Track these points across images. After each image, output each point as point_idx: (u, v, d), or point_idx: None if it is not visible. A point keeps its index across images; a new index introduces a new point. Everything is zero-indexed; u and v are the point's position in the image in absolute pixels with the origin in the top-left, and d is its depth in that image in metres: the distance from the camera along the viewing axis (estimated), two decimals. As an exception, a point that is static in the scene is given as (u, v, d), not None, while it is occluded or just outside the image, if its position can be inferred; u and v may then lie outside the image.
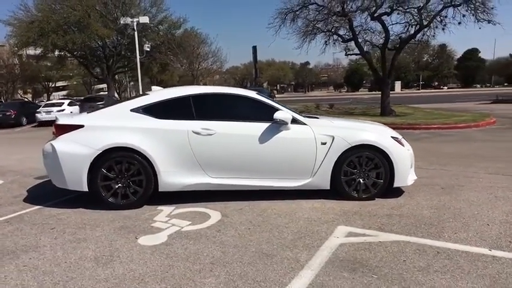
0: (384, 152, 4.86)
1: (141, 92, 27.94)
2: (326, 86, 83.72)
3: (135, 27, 24.57)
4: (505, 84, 64.83)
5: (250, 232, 3.95)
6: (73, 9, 24.78)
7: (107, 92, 31.30)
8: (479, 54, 62.86)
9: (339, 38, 20.25)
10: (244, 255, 3.42)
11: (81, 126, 4.78)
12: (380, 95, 19.09)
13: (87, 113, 5.18)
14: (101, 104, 21.45)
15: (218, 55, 30.28)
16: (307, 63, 75.89)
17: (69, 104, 22.90)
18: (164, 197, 4.92)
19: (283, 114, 4.79)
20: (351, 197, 4.90)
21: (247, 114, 4.99)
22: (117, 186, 4.70)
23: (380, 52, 18.95)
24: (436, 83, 69.98)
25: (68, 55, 28.60)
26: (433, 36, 18.11)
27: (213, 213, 4.55)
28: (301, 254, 3.42)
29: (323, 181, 4.89)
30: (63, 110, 21.91)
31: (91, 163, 4.63)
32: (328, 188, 4.92)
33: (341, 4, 17.76)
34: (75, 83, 58.85)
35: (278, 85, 70.70)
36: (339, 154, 4.82)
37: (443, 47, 61.98)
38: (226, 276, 3.06)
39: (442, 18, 18.12)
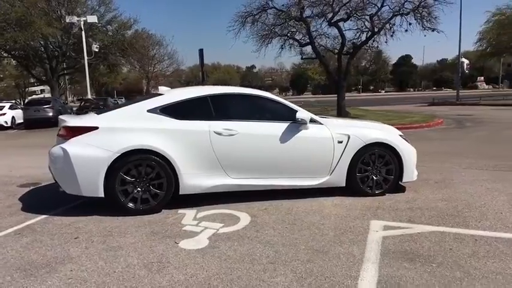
0: (394, 149, 5.13)
1: (89, 95, 26.48)
2: (271, 90, 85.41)
3: (82, 27, 23.34)
4: (434, 88, 70.49)
5: (290, 231, 3.97)
6: (11, 5, 22.95)
7: (43, 95, 29.28)
8: (412, 61, 67.85)
9: (295, 43, 20.82)
10: (298, 253, 3.44)
11: (96, 128, 4.49)
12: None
13: (97, 114, 4.87)
14: (47, 107, 20.01)
15: (175, 57, 29.79)
16: (253, 66, 76.95)
17: (10, 108, 21.10)
18: (176, 201, 4.76)
19: (304, 114, 4.88)
20: (365, 193, 5.10)
21: (265, 114, 5.02)
22: (136, 191, 4.48)
23: (337, 57, 19.68)
24: (372, 87, 74.26)
25: (5, 55, 26.35)
26: (386, 42, 19.18)
27: (240, 214, 4.50)
28: (352, 248, 3.51)
29: (340, 179, 5.04)
30: (4, 114, 20.16)
31: (108, 167, 4.37)
32: (344, 185, 5.08)
33: (300, 9, 18.26)
34: (5, 85, 54.23)
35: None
36: (355, 152, 5.00)
37: (379, 53, 65.96)
38: (293, 274, 3.06)
39: (391, 25, 19.37)
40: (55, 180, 4.70)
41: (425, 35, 19.10)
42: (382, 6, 18.25)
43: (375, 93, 60.93)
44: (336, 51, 21.24)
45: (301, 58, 22.55)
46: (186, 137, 4.61)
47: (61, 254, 3.51)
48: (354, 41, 19.84)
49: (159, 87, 5.83)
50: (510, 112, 21.26)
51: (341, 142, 4.99)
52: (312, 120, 4.99)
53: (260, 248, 3.56)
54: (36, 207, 4.90)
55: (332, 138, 4.98)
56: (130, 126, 4.55)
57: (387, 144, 5.11)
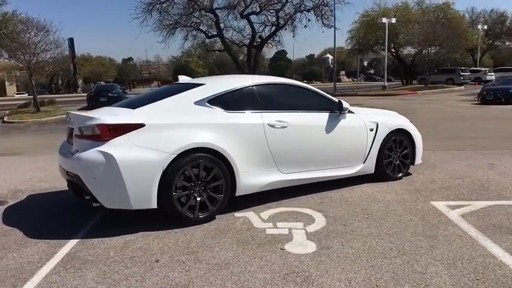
0: (410, 134, 5.47)
1: None
2: (149, 83, 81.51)
3: None
4: (304, 81, 76.89)
5: (373, 221, 3.90)
6: None
7: None
8: (287, 55, 72.57)
9: (201, 34, 20.38)
10: (412, 241, 3.40)
11: (142, 125, 3.68)
12: None
13: (133, 108, 3.96)
14: None
15: (63, 46, 25.16)
16: (130, 59, 72.07)
17: None
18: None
19: (346, 103, 4.83)
20: (390, 178, 5.32)
21: (306, 104, 4.81)
22: (193, 197, 3.84)
23: (247, 50, 19.88)
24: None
25: None
26: (294, 37, 20.10)
27: (304, 210, 4.24)
28: (451, 229, 3.63)
29: (370, 166, 5.15)
30: None
31: (163, 171, 3.64)
32: (373, 172, 5.21)
33: (210, 0, 17.88)
34: None
35: (101, 81, 64.58)
36: (382, 139, 5.17)
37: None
38: (438, 262, 3.02)
39: (292, 21, 20.45)
40: (85, 193, 3.71)
41: (323, 31, 20.57)
42: (286, 1, 19.14)
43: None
44: (242, 44, 21.55)
45: (206, 50, 22.14)
46: (241, 131, 4.13)
47: (176, 282, 2.81)
48: (261, 34, 20.40)
49: (180, 76, 5.06)
50: (386, 100, 24.45)
51: (372, 130, 5.11)
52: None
53: (372, 241, 3.43)
54: (46, 231, 3.81)
55: (365, 126, 5.05)
56: (181, 122, 3.86)
57: (405, 130, 5.42)
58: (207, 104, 4.08)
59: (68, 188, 4.34)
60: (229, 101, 4.20)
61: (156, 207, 3.68)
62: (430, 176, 5.58)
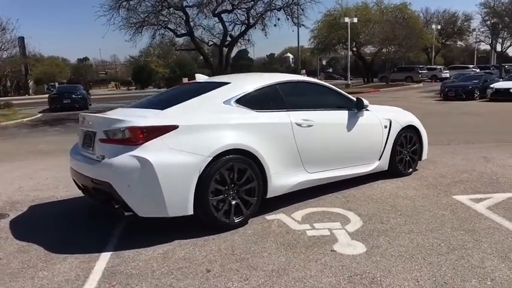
0: (418, 131, 5.58)
1: None
2: (105, 84, 78.44)
3: None
4: (266, 80, 77.16)
5: (407, 217, 3.91)
6: None
7: None
8: (249, 55, 72.65)
9: (167, 33, 19.88)
10: (454, 236, 3.44)
11: (175, 127, 3.45)
12: None
13: (161, 109, 3.70)
14: None
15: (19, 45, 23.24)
16: (86, 58, 68.88)
17: None
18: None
19: (366, 101, 4.83)
20: (401, 174, 5.39)
21: (326, 102, 4.75)
22: (227, 201, 3.66)
23: (219, 48, 19.60)
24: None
25: None
26: (266, 36, 20.08)
27: (334, 209, 4.18)
28: (486, 222, 3.71)
29: (385, 163, 5.19)
30: None
31: (200, 175, 3.44)
32: (387, 168, 5.25)
33: (181, -2, 17.46)
34: None
35: (56, 83, 61.16)
36: (395, 136, 5.22)
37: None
38: (493, 255, 3.07)
39: (262, 20, 20.41)
40: (114, 202, 3.42)
41: (293, 30, 20.74)
42: (257, 0, 19.06)
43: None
44: (212, 43, 21.26)
45: (175, 49, 21.60)
46: (271, 131, 4.00)
47: (231, 294, 2.65)
48: (230, 33, 20.16)
49: (197, 75, 4.80)
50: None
51: (386, 127, 5.14)
52: (362, 107, 4.98)
53: (417, 238, 3.42)
54: (69, 245, 3.49)
55: (380, 123, 5.08)
56: (213, 122, 3.67)
57: (414, 126, 5.52)
58: (236, 103, 3.91)
59: (86, 195, 4.04)
60: (256, 100, 4.06)
61: (192, 213, 3.47)
62: (436, 171, 5.71)
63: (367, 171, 5.00)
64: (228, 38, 19.79)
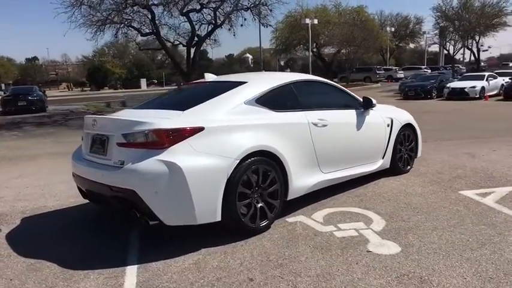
0: (415, 129, 5.72)
1: None
2: (56, 85, 74.34)
3: None
4: (225, 80, 76.87)
5: (431, 213, 3.95)
6: None
7: None
8: (208, 55, 71.94)
9: (131, 32, 19.19)
10: (479, 231, 3.52)
11: (201, 128, 3.25)
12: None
13: (181, 110, 3.46)
14: None
15: None
16: (35, 58, 64.87)
17: None
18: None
19: (374, 100, 4.85)
20: (401, 171, 5.49)
21: (336, 101, 4.73)
22: (253, 205, 3.52)
23: (186, 48, 19.16)
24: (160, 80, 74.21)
25: None
26: (234, 35, 19.88)
27: (354, 209, 4.16)
28: (501, 215, 3.84)
29: (387, 161, 5.26)
30: None
31: (228, 179, 3.27)
32: (388, 166, 5.32)
33: (146, -5, 16.84)
34: None
35: (2, 84, 56.95)
36: (396, 134, 5.31)
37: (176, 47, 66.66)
38: (519, 247, 3.18)
39: (229, 20, 20.20)
40: (136, 210, 3.17)
41: (259, 31, 20.69)
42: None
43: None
44: (178, 42, 20.78)
45: (140, 49, 20.88)
46: (290, 131, 3.91)
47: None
48: (197, 33, 19.76)
49: (206, 74, 4.57)
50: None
51: (388, 125, 5.21)
52: (367, 106, 5.01)
53: (444, 234, 3.46)
54: (86, 259, 3.19)
55: (384, 122, 5.13)
56: (237, 123, 3.51)
57: (411, 124, 5.64)
58: (256, 103, 3.78)
59: (96, 204, 3.73)
60: (274, 100, 3.95)
61: (220, 219, 3.29)
62: (430, 167, 5.87)
63: (373, 170, 5.04)
64: (196, 38, 19.43)
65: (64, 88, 70.33)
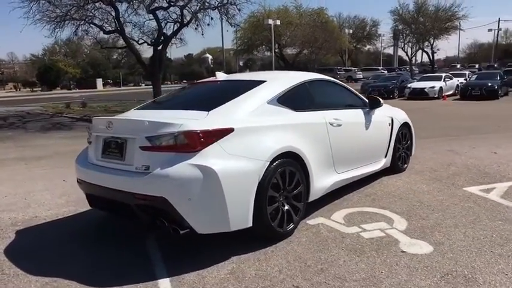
0: (410, 127, 5.83)
1: None
2: (3, 85, 69.52)
3: None
4: (184, 81, 75.70)
5: (446, 211, 4.00)
6: None
7: None
8: (167, 55, 70.61)
9: (91, 29, 18.33)
10: (505, 226, 3.60)
11: (231, 130, 3.07)
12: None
13: (207, 111, 3.23)
14: None
15: None
16: (-22, 57, 60.12)
17: None
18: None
19: (381, 100, 4.87)
20: (399, 169, 5.57)
21: (345, 101, 4.71)
22: (280, 208, 3.38)
23: (153, 48, 18.54)
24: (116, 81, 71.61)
25: None
26: (202, 34, 19.50)
27: (371, 209, 4.13)
28: (507, 210, 3.96)
29: (389, 160, 5.30)
30: None
31: (259, 182, 3.12)
32: (389, 165, 5.37)
33: (110, -9, 16.09)
34: None
35: None
36: (396, 133, 5.37)
37: (124, 48, 64.35)
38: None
39: (196, 18, 19.83)
40: (163, 219, 2.92)
41: (227, 30, 20.55)
42: (191, -2, 18.41)
43: (136, 87, 59.83)
44: (142, 41, 20.11)
45: (101, 47, 19.96)
46: (311, 131, 3.81)
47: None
48: (164, 32, 19.20)
49: (217, 73, 4.32)
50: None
51: (389, 124, 5.26)
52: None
53: (468, 231, 3.51)
54: (107, 275, 2.91)
55: (386, 121, 5.18)
56: (263, 124, 3.36)
57: (407, 123, 5.74)
58: (278, 103, 3.64)
59: (105, 211, 3.45)
60: (293, 99, 3.83)
61: (251, 225, 3.13)
62: (423, 165, 6.00)
63: (377, 169, 5.06)
64: (162, 37, 18.86)
65: (11, 88, 66.02)
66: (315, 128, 3.87)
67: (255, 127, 3.28)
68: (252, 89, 3.65)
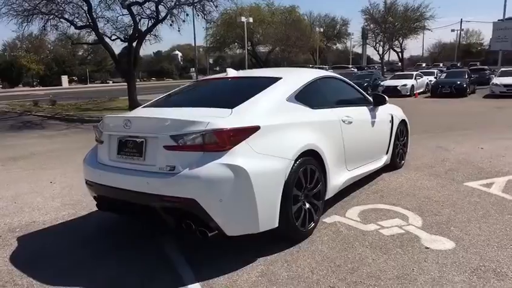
0: (407, 124, 5.92)
1: None
2: (-42, 82, 65.37)
3: None
4: (153, 78, 74.18)
5: (455, 206, 4.07)
6: None
7: None
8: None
9: (61, 24, 17.58)
10: None
11: (257, 128, 2.97)
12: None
13: (230, 108, 3.09)
14: None
15: None
16: None
17: None
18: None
19: (386, 97, 4.90)
20: (398, 166, 5.65)
21: (352, 98, 4.71)
22: (303, 208, 3.32)
23: (128, 44, 17.98)
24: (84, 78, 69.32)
25: None
26: (179, 30, 19.12)
27: (383, 206, 4.16)
28: (515, 205, 4.11)
29: (389, 156, 5.36)
30: None
31: (285, 181, 3.04)
32: (389, 162, 5.43)
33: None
34: None
35: None
36: (396, 130, 5.44)
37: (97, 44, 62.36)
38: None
39: (172, 15, 19.41)
40: (190, 222, 2.78)
41: (203, 27, 20.25)
42: (166, -7, 17.98)
43: (103, 84, 57.95)
44: (116, 37, 19.47)
45: (72, 43, 19.14)
46: (327, 129, 3.78)
47: None
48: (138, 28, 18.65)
49: (228, 69, 4.16)
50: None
51: (390, 121, 5.31)
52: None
53: (481, 226, 3.58)
54: (136, 283, 2.74)
55: (387, 118, 5.22)
56: (286, 122, 3.28)
57: (405, 120, 5.83)
58: (296, 100, 3.57)
59: (119, 214, 3.25)
60: (309, 97, 3.77)
61: (277, 225, 3.05)
62: (418, 161, 6.12)
63: (380, 166, 5.10)
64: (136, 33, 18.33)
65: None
66: (331, 126, 3.84)
67: (278, 125, 3.19)
68: (269, 86, 3.55)
